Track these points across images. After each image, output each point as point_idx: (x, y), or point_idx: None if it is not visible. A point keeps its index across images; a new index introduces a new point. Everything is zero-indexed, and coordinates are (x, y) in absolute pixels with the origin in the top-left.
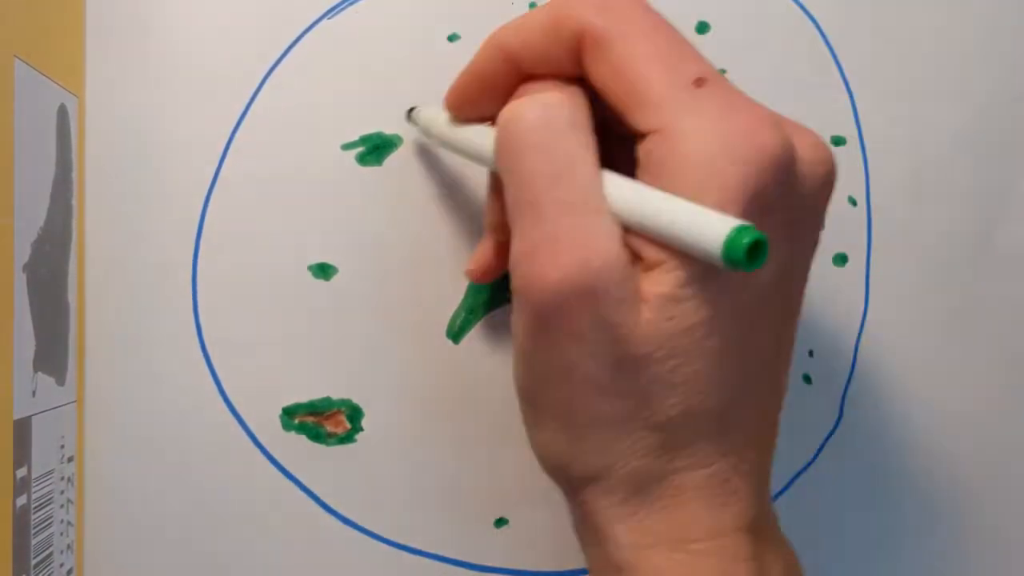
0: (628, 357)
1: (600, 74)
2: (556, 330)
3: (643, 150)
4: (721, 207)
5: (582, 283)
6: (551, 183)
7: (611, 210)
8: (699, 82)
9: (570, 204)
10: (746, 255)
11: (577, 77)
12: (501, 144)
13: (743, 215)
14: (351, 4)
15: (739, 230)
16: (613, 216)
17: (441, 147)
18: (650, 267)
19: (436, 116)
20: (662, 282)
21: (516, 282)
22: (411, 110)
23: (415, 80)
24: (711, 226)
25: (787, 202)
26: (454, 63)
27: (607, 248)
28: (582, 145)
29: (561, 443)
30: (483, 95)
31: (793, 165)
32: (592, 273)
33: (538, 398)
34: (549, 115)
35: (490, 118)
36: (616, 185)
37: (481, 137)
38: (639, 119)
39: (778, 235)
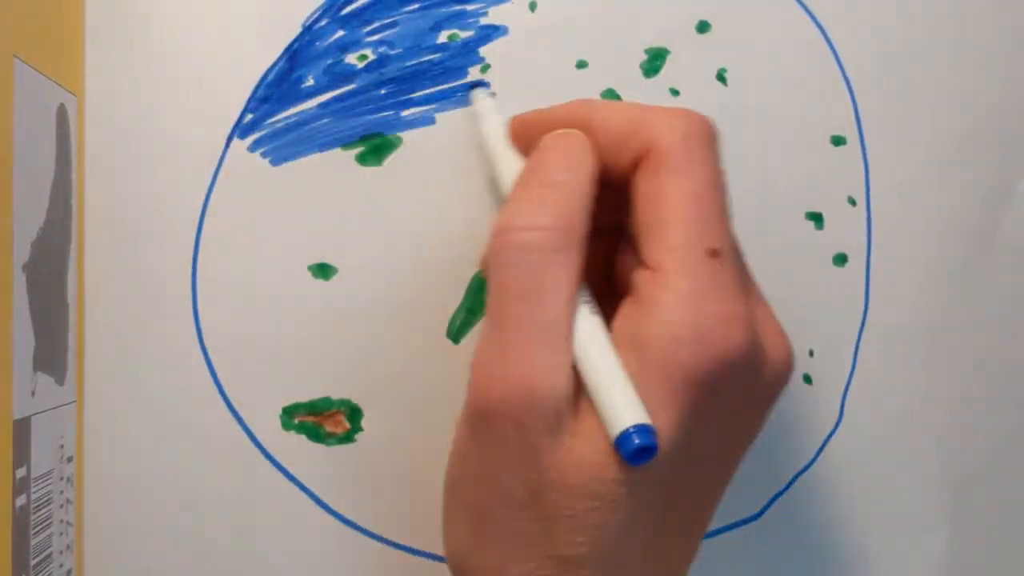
0: (546, 485)
1: (642, 189)
2: (487, 437)
3: (638, 276)
4: (669, 389)
5: (516, 407)
6: (519, 304)
7: (572, 345)
8: (713, 252)
9: (530, 329)
10: (632, 454)
11: (620, 178)
12: (489, 250)
13: (687, 400)
14: (350, 4)
15: (634, 431)
16: (570, 350)
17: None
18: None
19: (492, 116)
20: (602, 427)
21: (470, 380)
22: (477, 85)
23: (414, 79)
24: (617, 413)
25: (739, 392)
26: (453, 64)
27: (550, 382)
28: (562, 272)
29: (467, 544)
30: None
31: (754, 363)
32: (528, 401)
33: (458, 491)
34: (534, 237)
35: None
36: (583, 325)
37: (506, 164)
38: (646, 248)
39: (722, 417)
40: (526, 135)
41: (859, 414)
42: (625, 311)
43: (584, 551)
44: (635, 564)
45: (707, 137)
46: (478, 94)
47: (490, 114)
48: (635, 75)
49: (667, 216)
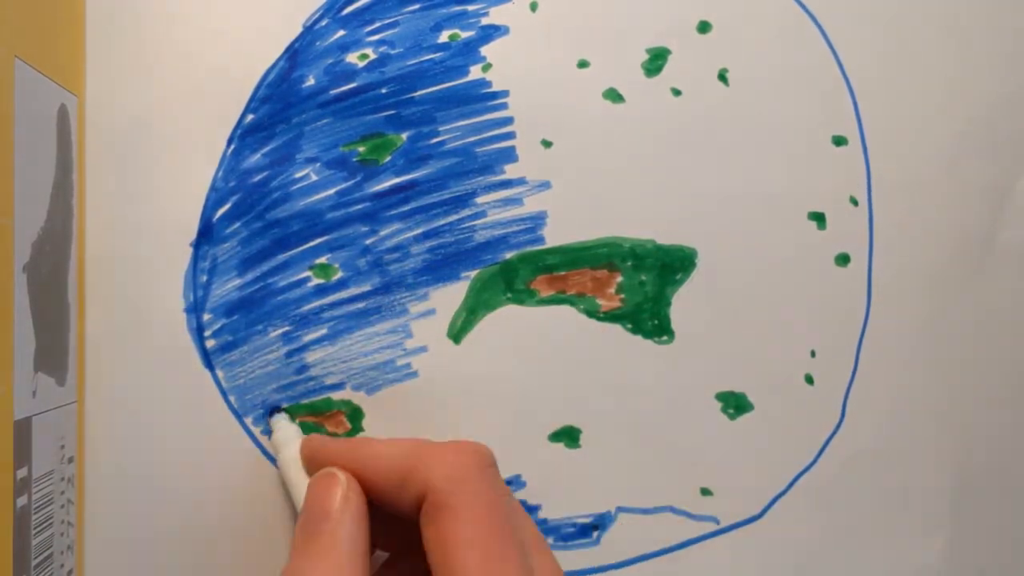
0: None
1: (427, 536)
2: None
3: None
4: None
5: None
6: None
7: None
8: None
9: None
10: None
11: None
12: None
13: None
14: (351, 3)
15: None
16: None
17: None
18: None
19: (291, 444)
20: None
21: None
22: (275, 411)
23: (415, 79)
24: None
25: None
26: (454, 63)
27: None
28: None
29: None
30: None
31: None
32: None
33: None
34: None
35: None
36: None
37: (299, 496)
38: None
39: None
40: (312, 465)
41: (860, 415)
42: None
43: None
44: None
45: (481, 470)
46: (278, 422)
47: (290, 442)
48: (636, 75)
49: (455, 563)
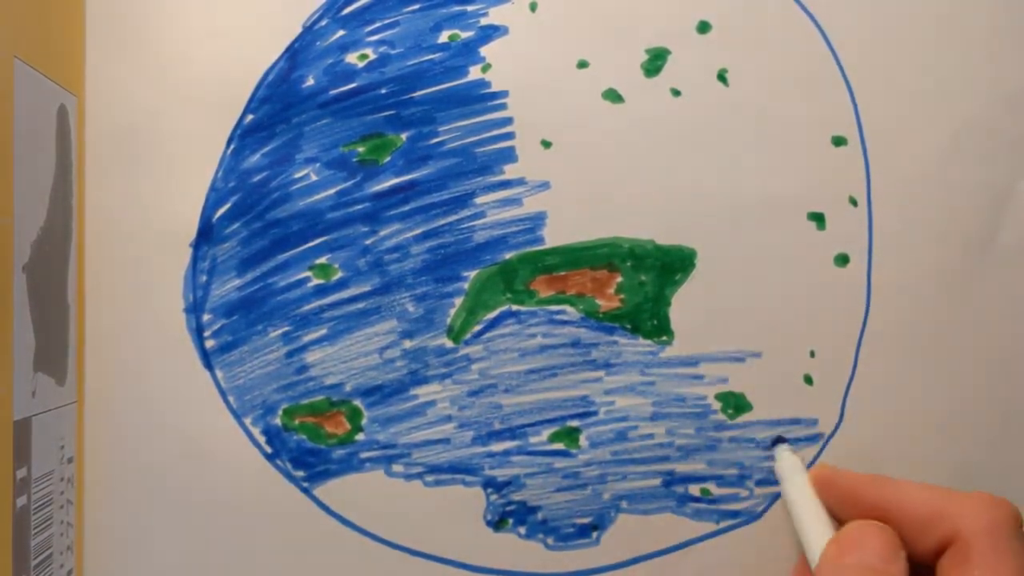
0: None
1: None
2: None
3: None
4: None
5: None
6: None
7: None
8: None
9: None
10: None
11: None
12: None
13: None
14: (350, 3)
15: None
16: None
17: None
18: None
19: (794, 470)
20: None
21: None
22: (779, 440)
23: (414, 79)
24: None
25: None
26: (454, 63)
27: None
28: None
29: None
30: (844, 508)
31: None
32: None
33: None
34: None
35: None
36: None
37: (813, 527)
38: None
39: None
40: (826, 496)
41: (860, 415)
42: None
43: None
44: None
45: (1013, 526)
46: (780, 452)
47: (793, 475)
48: (636, 75)
49: None
